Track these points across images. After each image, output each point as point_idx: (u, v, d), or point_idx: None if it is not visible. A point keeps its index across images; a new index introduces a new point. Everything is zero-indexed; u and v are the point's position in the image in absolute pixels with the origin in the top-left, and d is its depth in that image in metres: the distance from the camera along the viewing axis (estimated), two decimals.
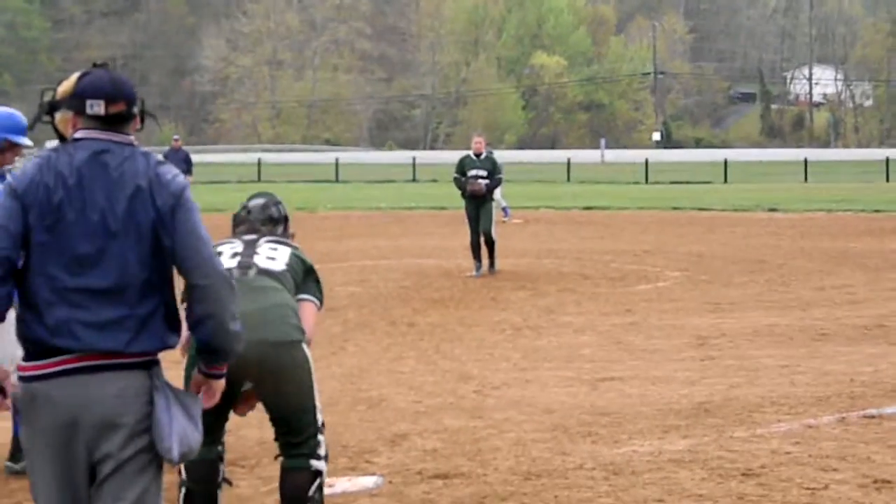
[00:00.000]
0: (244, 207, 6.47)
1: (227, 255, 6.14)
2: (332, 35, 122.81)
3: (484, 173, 19.34)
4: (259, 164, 61.11)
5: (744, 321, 14.32)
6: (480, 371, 11.39)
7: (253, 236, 6.29)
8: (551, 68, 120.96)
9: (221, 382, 4.63)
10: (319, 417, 6.07)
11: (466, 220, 19.61)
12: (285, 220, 6.51)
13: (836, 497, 7.11)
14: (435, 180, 54.66)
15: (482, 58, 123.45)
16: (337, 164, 61.23)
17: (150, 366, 4.34)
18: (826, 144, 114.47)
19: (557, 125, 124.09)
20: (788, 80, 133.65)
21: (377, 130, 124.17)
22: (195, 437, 4.37)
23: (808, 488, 7.27)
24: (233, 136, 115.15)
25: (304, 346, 6.00)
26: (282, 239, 6.36)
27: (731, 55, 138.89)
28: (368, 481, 7.56)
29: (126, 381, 4.28)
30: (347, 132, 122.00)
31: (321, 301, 6.37)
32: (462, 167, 19.58)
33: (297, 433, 6.02)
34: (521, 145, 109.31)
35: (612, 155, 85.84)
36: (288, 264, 6.19)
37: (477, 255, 19.32)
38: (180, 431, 4.31)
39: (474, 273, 19.21)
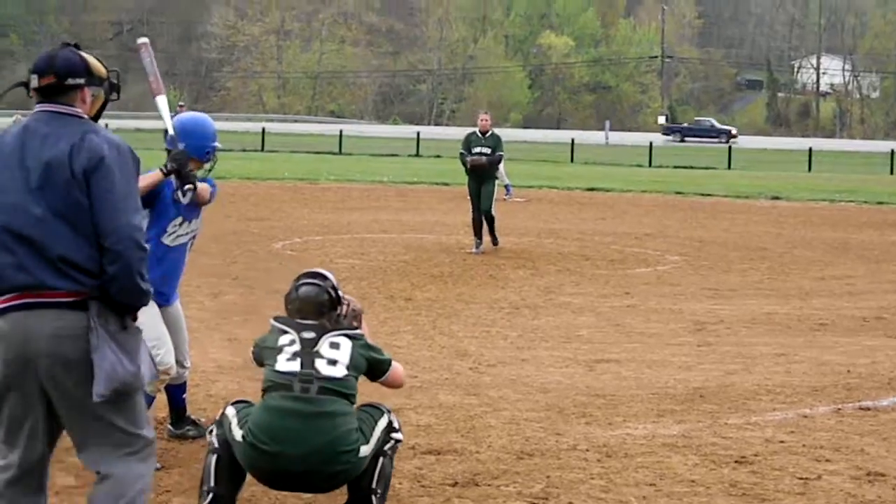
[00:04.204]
0: (296, 297, 6.33)
1: (287, 354, 6.10)
2: (341, 7, 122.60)
3: (488, 151, 19.33)
4: (263, 133, 60.89)
5: (742, 308, 14.31)
6: (477, 348, 11.39)
7: (311, 334, 6.17)
8: (559, 48, 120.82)
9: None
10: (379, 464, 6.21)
11: (469, 197, 19.59)
12: (339, 300, 6.38)
13: (829, 488, 7.10)
14: (438, 156, 54.55)
15: (490, 35, 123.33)
16: (341, 136, 61.07)
17: (86, 306, 4.74)
18: (831, 135, 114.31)
19: (563, 105, 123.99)
20: (796, 69, 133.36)
21: (382, 104, 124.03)
22: (126, 371, 4.74)
23: (800, 478, 7.26)
24: (238, 105, 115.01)
25: (361, 448, 6.05)
26: (342, 330, 6.26)
27: (740, 42, 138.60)
28: None
29: (64, 318, 4.75)
30: (352, 104, 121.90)
31: (391, 363, 6.40)
32: (468, 144, 19.55)
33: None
34: (526, 124, 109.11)
35: (616, 137, 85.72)
36: (349, 365, 6.14)
37: (478, 232, 19.30)
38: (108, 368, 4.69)
39: (474, 250, 19.18)
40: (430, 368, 10.37)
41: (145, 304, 4.93)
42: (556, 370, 10.47)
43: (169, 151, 7.20)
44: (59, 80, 4.88)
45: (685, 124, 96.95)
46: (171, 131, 7.18)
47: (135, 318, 4.95)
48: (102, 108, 5.10)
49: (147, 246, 4.90)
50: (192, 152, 7.41)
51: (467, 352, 11.21)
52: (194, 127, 7.62)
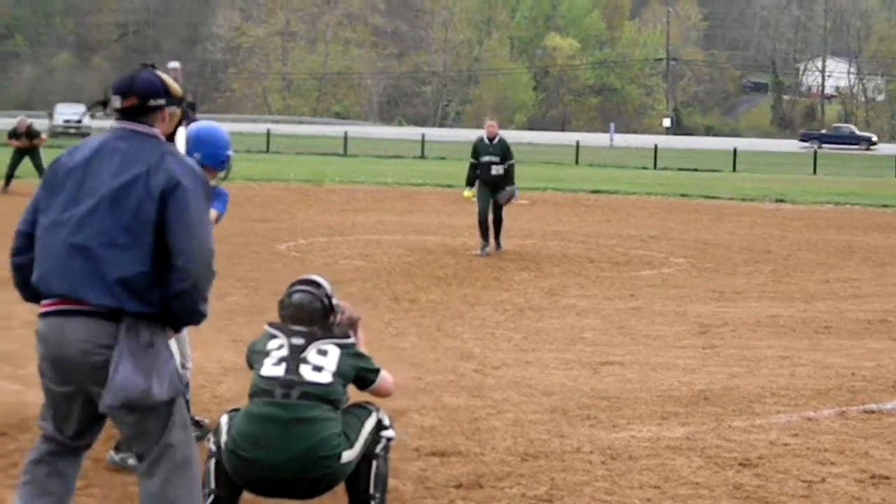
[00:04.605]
0: (289, 304, 6.32)
1: (273, 359, 6.11)
2: (346, 9, 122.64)
3: (497, 159, 19.31)
4: (268, 134, 60.94)
5: (747, 311, 14.30)
6: (481, 350, 11.38)
7: (300, 340, 6.17)
8: (564, 50, 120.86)
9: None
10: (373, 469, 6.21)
11: (476, 200, 19.55)
12: (332, 308, 6.36)
13: (833, 490, 7.10)
14: (443, 158, 54.57)
15: (495, 37, 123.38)
16: (346, 138, 61.10)
17: (119, 318, 4.92)
18: None
19: (568, 107, 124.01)
20: (801, 72, 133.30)
21: (387, 105, 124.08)
22: (136, 387, 4.88)
23: (804, 481, 7.26)
24: (243, 106, 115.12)
25: (343, 454, 6.04)
26: (331, 338, 6.25)
27: (745, 44, 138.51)
28: None
29: (94, 329, 4.94)
30: (357, 106, 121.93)
31: (378, 372, 6.42)
32: (476, 152, 19.53)
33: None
34: (531, 126, 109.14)
35: (621, 139, 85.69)
36: (336, 372, 6.13)
37: (485, 234, 19.30)
38: (120, 381, 4.86)
39: (479, 251, 19.19)
40: (434, 370, 10.37)
41: (198, 324, 5.18)
42: (561, 372, 10.47)
43: None
44: (140, 102, 5.12)
45: (824, 131, 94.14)
46: None
47: (178, 330, 5.23)
48: (178, 125, 5.47)
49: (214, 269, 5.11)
50: (206, 161, 7.46)
51: (472, 354, 11.21)
52: (208, 136, 7.66)
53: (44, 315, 5.05)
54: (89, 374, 4.97)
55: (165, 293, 4.97)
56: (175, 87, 5.28)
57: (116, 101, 5.13)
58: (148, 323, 4.99)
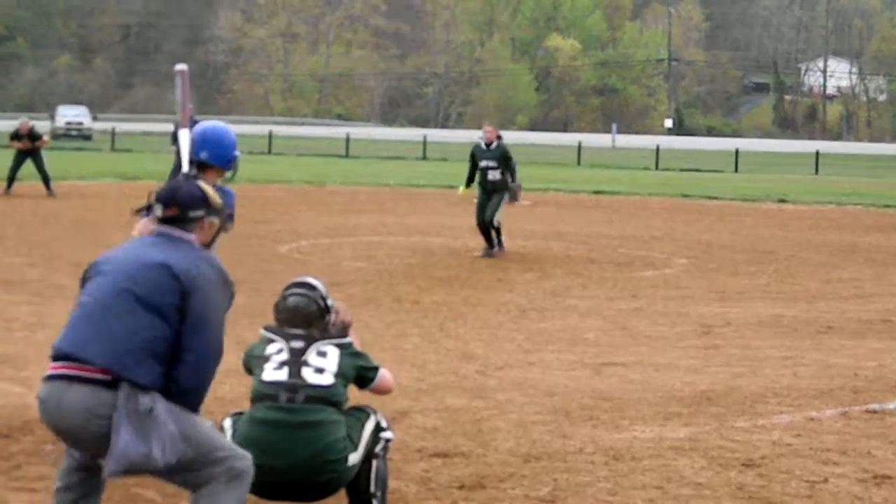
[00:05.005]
0: (284, 308, 6.34)
1: (274, 364, 6.13)
2: (348, 10, 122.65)
3: (494, 164, 19.06)
4: (270, 136, 60.96)
5: (749, 311, 14.30)
6: (484, 351, 11.38)
7: (299, 343, 6.18)
8: (565, 51, 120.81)
9: None
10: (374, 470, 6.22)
11: (475, 203, 19.42)
12: (328, 309, 6.38)
13: (836, 491, 7.10)
14: (445, 159, 54.57)
15: (496, 38, 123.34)
16: (347, 140, 61.12)
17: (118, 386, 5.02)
18: (838, 137, 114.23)
19: (570, 108, 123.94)
20: (803, 72, 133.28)
21: (389, 107, 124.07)
22: (138, 453, 4.98)
23: (807, 481, 7.26)
24: (245, 108, 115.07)
25: (350, 456, 6.06)
26: (329, 339, 6.26)
27: (746, 44, 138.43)
28: None
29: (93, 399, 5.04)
30: (359, 108, 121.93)
31: (378, 370, 6.44)
32: (473, 158, 19.38)
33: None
34: (533, 127, 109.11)
35: (623, 140, 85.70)
36: (337, 373, 6.14)
37: (487, 237, 19.17)
38: (121, 447, 4.97)
39: (482, 254, 19.14)
40: (436, 371, 10.37)
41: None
42: (563, 373, 10.47)
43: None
44: (181, 213, 5.44)
45: None
46: (185, 168, 7.21)
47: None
48: (216, 234, 5.68)
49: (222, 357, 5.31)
50: (214, 161, 7.47)
51: (474, 355, 11.21)
52: (215, 136, 7.65)
53: (46, 379, 5.15)
54: (91, 441, 5.09)
55: (169, 385, 5.13)
56: (215, 198, 5.57)
57: (158, 210, 5.45)
58: (147, 389, 5.09)
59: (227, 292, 5.38)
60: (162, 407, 5.06)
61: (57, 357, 5.13)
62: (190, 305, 5.14)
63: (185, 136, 7.22)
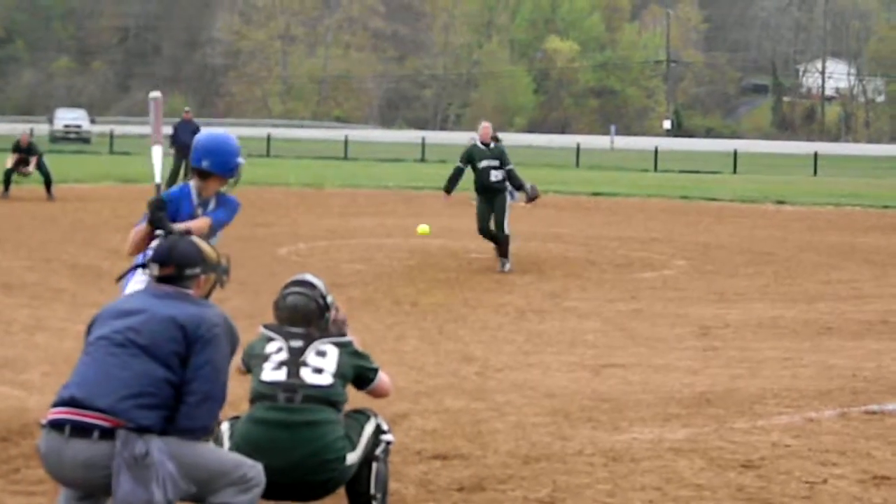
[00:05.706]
0: (284, 306, 6.34)
1: (273, 363, 6.13)
2: (346, 12, 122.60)
3: (496, 163, 17.94)
4: (268, 138, 60.97)
5: (748, 312, 14.30)
6: (483, 353, 11.39)
7: (299, 342, 6.19)
8: (564, 53, 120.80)
9: None
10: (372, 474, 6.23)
11: (476, 209, 18.23)
12: (328, 307, 6.38)
13: (835, 492, 7.10)
14: (444, 161, 54.50)
15: (495, 40, 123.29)
16: (346, 142, 61.11)
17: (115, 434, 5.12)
18: (836, 139, 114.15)
19: (568, 110, 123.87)
20: (801, 73, 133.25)
21: (387, 109, 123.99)
22: (139, 499, 5.05)
23: (806, 482, 7.26)
24: (243, 110, 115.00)
25: (348, 456, 6.07)
26: (329, 338, 6.27)
27: (745, 46, 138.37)
28: None
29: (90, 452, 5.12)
30: (357, 110, 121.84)
31: (377, 371, 6.47)
32: (470, 157, 18.09)
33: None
34: (532, 129, 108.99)
35: (621, 142, 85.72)
36: (336, 373, 6.15)
37: (494, 241, 17.98)
38: (123, 497, 5.05)
39: (500, 268, 17.75)
40: (435, 373, 10.38)
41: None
42: (562, 375, 10.47)
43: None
44: (178, 271, 5.56)
45: None
46: (157, 179, 7.25)
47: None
48: (213, 288, 5.76)
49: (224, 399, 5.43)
50: (217, 169, 7.53)
51: (473, 356, 11.21)
52: (218, 145, 7.68)
53: (46, 426, 5.22)
54: (97, 489, 5.21)
55: (169, 427, 5.22)
56: (211, 254, 5.68)
57: (154, 269, 5.56)
58: (141, 432, 5.17)
59: (232, 340, 5.47)
60: (157, 448, 5.12)
61: (62, 402, 5.20)
62: (194, 354, 5.26)
63: (157, 152, 7.29)
